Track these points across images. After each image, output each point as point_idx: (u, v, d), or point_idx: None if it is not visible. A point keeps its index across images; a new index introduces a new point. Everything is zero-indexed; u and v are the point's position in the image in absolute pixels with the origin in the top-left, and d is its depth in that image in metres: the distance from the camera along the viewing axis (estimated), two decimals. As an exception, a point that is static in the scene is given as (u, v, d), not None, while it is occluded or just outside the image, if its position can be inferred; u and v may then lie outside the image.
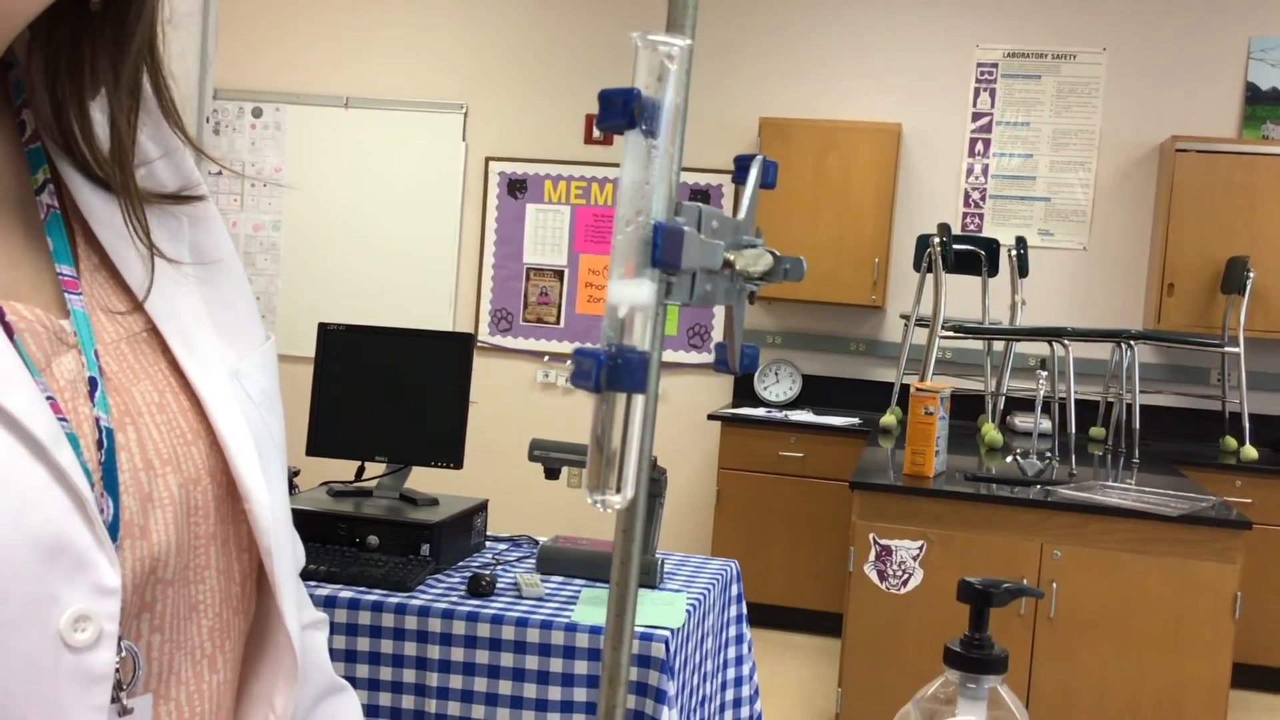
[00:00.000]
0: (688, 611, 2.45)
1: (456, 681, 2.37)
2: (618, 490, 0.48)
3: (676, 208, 0.50)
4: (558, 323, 6.24)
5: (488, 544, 2.90)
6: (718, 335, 6.09)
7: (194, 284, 0.65)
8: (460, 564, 2.71)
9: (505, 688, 2.35)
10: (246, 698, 0.66)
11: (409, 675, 2.40)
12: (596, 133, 5.40)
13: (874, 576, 3.75)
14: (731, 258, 0.55)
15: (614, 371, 0.46)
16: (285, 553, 0.65)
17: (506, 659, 2.35)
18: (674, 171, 0.50)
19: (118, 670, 0.54)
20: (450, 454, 2.74)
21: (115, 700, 0.54)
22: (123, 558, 0.55)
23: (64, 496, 0.52)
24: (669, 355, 6.13)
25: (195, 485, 0.59)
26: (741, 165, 0.58)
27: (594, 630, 2.34)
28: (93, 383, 0.56)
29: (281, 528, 0.65)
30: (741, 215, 0.57)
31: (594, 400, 0.48)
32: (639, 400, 0.48)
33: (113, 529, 0.54)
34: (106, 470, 0.55)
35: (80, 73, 0.61)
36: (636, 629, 2.26)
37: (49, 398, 0.54)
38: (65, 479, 0.52)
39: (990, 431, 4.85)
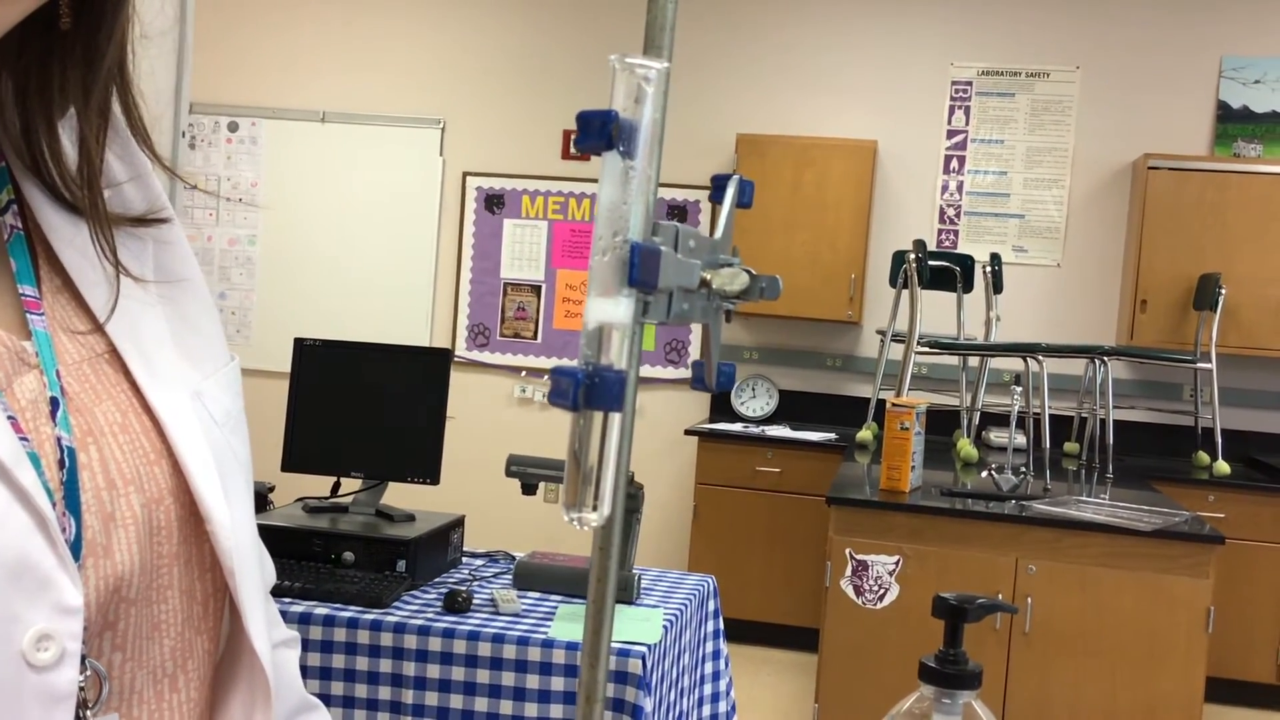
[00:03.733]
0: (665, 627, 2.45)
1: (432, 699, 2.36)
2: (595, 508, 0.48)
3: (654, 227, 0.51)
4: (535, 338, 6.23)
5: (464, 560, 2.90)
6: (695, 350, 6.10)
7: (158, 305, 0.65)
8: (436, 580, 2.70)
9: (481, 705, 2.34)
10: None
11: (384, 692, 2.38)
12: (574, 148, 5.42)
13: (850, 592, 3.76)
14: (708, 277, 0.55)
15: (591, 390, 0.47)
16: (250, 573, 0.65)
17: (482, 675, 2.34)
18: (651, 192, 0.50)
19: (82, 689, 0.54)
20: (427, 469, 2.73)
21: (80, 719, 0.54)
22: (85, 577, 0.54)
23: (26, 516, 0.52)
24: (645, 370, 6.13)
25: (158, 505, 0.59)
26: (719, 185, 0.59)
27: (570, 646, 2.34)
28: (54, 403, 0.56)
29: (246, 548, 0.64)
30: (718, 234, 0.58)
31: (571, 418, 0.48)
32: (616, 418, 0.48)
33: (75, 548, 0.54)
34: (68, 490, 0.55)
35: (49, 91, 0.61)
36: (613, 645, 2.26)
37: (10, 417, 0.54)
38: (27, 499, 0.52)
39: (965, 447, 4.87)
